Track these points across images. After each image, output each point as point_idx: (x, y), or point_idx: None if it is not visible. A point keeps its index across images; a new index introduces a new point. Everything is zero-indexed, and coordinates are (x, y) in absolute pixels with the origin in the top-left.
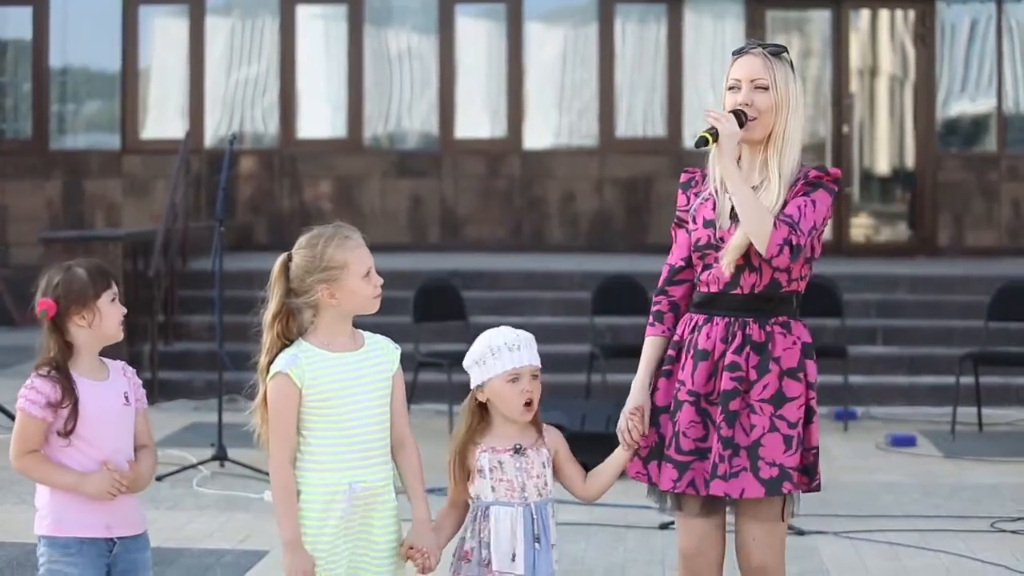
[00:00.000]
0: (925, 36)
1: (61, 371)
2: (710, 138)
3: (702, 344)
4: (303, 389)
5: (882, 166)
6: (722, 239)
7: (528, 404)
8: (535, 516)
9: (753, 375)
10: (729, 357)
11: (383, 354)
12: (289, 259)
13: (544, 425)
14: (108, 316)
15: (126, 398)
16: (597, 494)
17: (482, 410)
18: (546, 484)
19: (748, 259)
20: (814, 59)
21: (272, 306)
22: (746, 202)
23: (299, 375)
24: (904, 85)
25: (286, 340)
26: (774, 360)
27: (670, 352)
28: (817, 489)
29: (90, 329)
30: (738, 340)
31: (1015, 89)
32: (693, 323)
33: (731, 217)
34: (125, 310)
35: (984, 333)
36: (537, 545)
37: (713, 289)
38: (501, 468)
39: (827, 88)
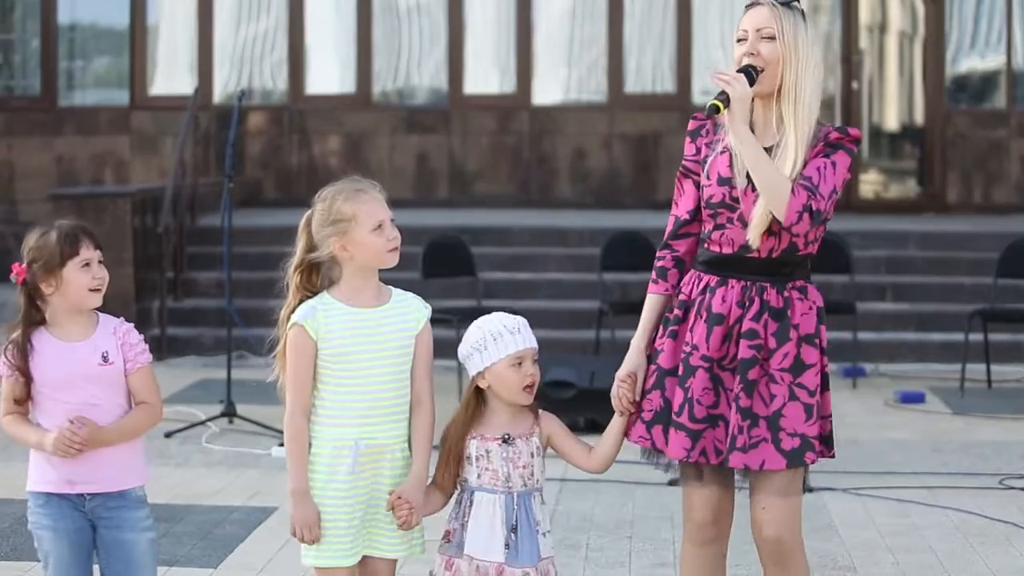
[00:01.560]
0: None
1: (17, 341)
2: (721, 105)
3: (717, 308)
4: (318, 342)
5: (891, 122)
6: (737, 199)
7: (529, 387)
8: (516, 506)
9: (772, 343)
10: (747, 324)
11: (409, 312)
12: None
13: (540, 411)
14: (73, 284)
15: (104, 358)
16: (603, 465)
17: (478, 397)
18: (532, 474)
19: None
20: (824, 15)
21: (295, 259)
22: (761, 170)
23: (314, 327)
24: (913, 41)
25: (307, 292)
26: (793, 327)
27: (677, 312)
28: (832, 456)
29: (58, 295)
30: (756, 306)
31: None
32: (704, 283)
33: (748, 177)
34: (103, 275)
35: (993, 290)
36: (513, 535)
37: (727, 250)
38: (488, 457)
39: (836, 44)
